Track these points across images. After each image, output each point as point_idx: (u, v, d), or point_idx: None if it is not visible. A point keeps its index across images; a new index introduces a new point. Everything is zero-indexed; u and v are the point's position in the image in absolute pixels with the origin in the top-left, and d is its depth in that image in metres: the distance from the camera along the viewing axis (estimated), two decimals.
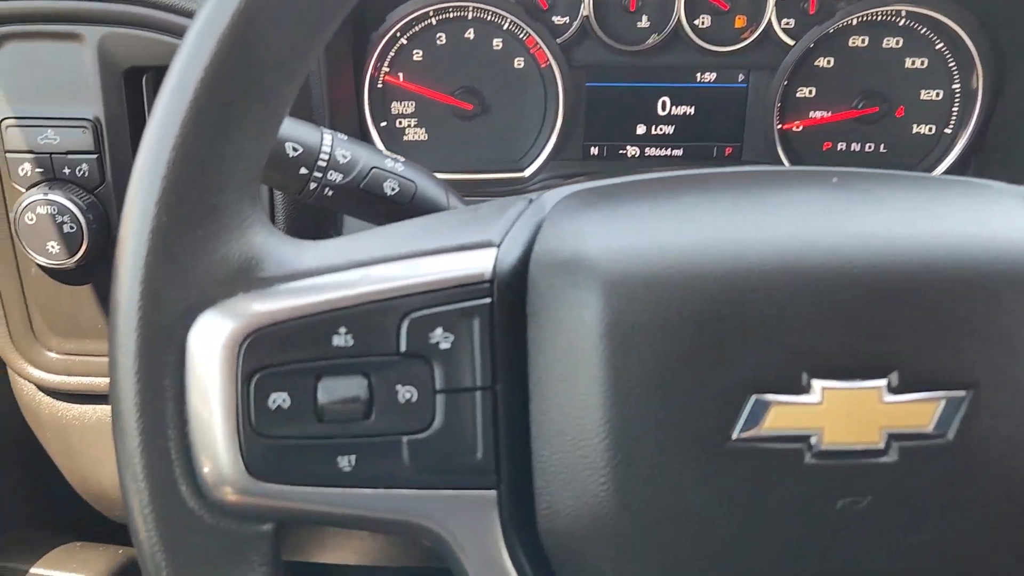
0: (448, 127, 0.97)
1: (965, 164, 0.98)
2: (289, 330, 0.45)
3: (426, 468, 0.46)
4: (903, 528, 0.45)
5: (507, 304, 0.46)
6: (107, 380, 0.44)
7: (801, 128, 0.99)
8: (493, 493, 0.46)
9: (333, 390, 0.45)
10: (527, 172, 1.00)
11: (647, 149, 1.00)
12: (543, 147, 0.98)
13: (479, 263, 0.47)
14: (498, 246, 0.47)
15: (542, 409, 0.46)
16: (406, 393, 0.45)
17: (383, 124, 0.96)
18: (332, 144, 0.62)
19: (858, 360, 0.44)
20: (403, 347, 0.45)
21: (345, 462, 0.46)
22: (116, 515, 1.03)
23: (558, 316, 0.45)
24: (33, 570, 0.99)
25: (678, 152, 1.00)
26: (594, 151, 0.99)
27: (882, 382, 0.44)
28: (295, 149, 0.60)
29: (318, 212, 0.85)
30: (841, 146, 1.00)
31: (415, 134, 0.98)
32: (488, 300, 0.46)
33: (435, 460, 0.46)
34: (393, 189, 0.62)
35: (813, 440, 0.44)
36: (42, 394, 0.94)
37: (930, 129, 0.98)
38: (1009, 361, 0.45)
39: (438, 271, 0.47)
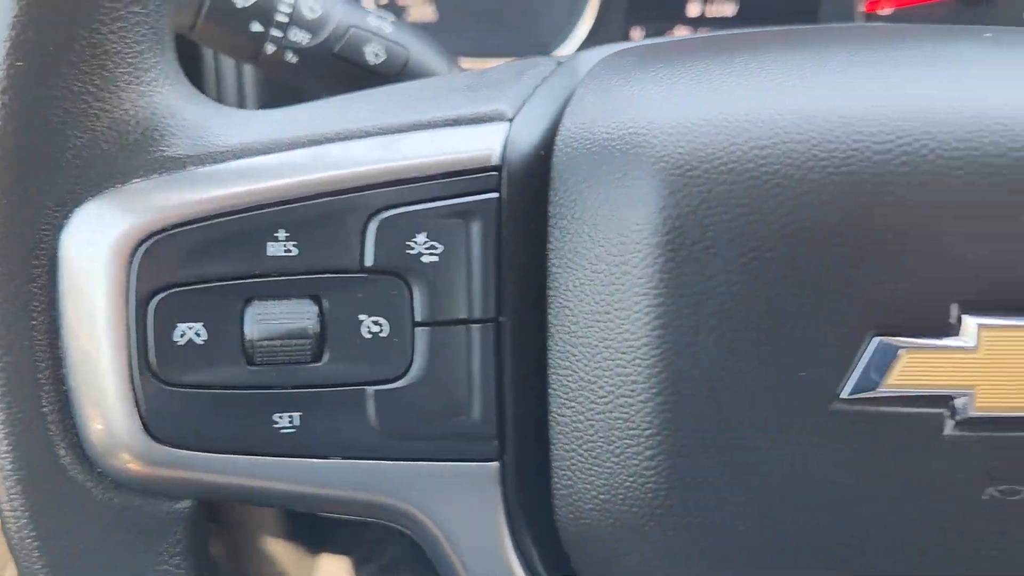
0: (462, 4, 0.86)
1: None
2: (206, 233, 0.33)
3: (400, 431, 0.35)
4: None
5: (520, 201, 0.34)
6: None
7: (892, 11, 0.83)
8: (494, 466, 0.36)
9: (268, 320, 0.33)
10: None
11: (703, 32, 0.86)
12: (575, 28, 0.86)
13: (482, 143, 0.34)
14: (511, 120, 0.35)
15: (566, 350, 0.34)
16: (372, 325, 0.34)
17: (383, 1, 0.83)
18: None
19: None
20: (369, 260, 0.33)
21: (285, 421, 0.34)
22: None
23: (595, 218, 0.33)
24: None
25: None
26: (637, 34, 0.87)
27: None
28: None
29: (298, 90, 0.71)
30: None
31: (421, 13, 0.85)
32: (494, 195, 0.34)
33: (413, 420, 0.35)
34: (377, 56, 0.48)
35: (959, 403, 0.32)
36: None
37: None
38: None
39: (422, 152, 0.34)
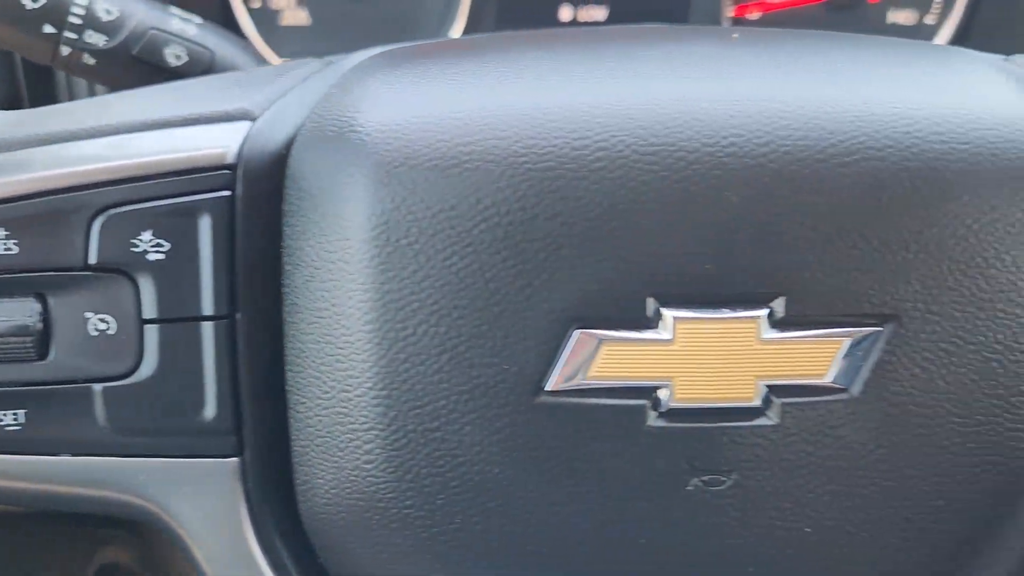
0: (336, 7, 0.85)
1: None
2: None
3: (130, 428, 0.35)
4: (782, 513, 0.32)
5: (257, 199, 0.34)
6: None
7: (759, 15, 0.84)
8: (234, 462, 0.36)
9: None
10: None
11: None
12: (447, 32, 0.85)
13: (218, 141, 0.35)
14: (255, 119, 0.35)
15: (299, 347, 0.34)
16: (99, 323, 0.34)
17: (255, 5, 0.82)
18: None
19: (728, 281, 0.31)
20: (93, 258, 0.33)
21: (10, 418, 0.34)
22: None
23: (321, 215, 0.33)
24: None
25: None
26: None
27: (761, 312, 0.31)
28: None
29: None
30: None
31: (295, 17, 0.84)
32: (226, 193, 0.34)
33: (144, 417, 0.35)
34: (179, 58, 0.49)
35: (661, 394, 0.32)
36: None
37: (909, 17, 0.84)
38: (943, 286, 0.31)
39: (153, 151, 0.34)
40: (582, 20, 0.85)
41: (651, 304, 0.31)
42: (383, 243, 0.31)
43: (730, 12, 0.85)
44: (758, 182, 0.31)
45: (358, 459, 0.33)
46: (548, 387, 0.32)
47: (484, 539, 0.33)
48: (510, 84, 0.34)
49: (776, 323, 0.31)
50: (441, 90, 0.34)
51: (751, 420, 0.32)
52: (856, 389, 0.32)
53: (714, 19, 0.84)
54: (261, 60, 0.52)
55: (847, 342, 0.32)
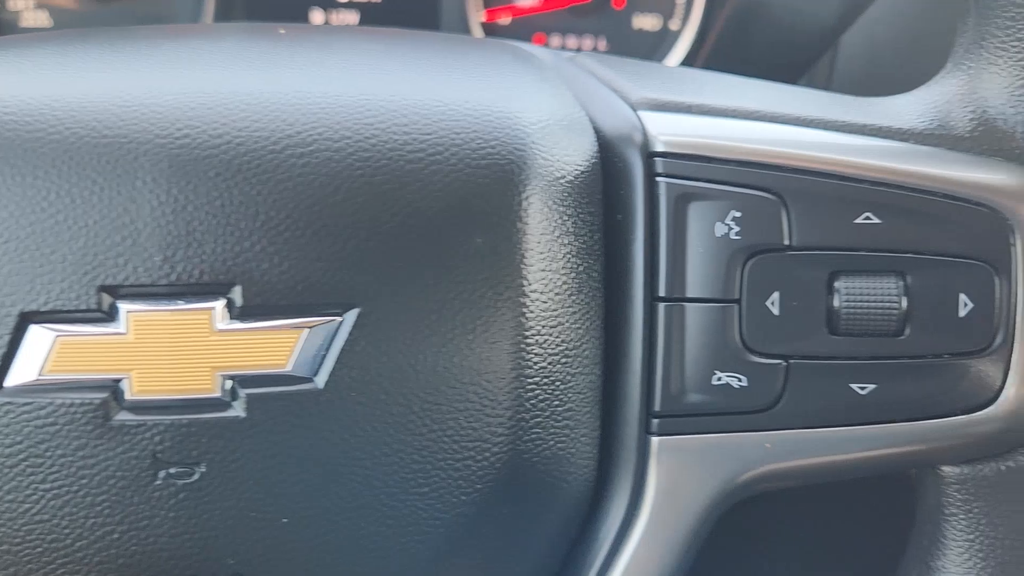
0: (79, 10, 0.83)
1: (692, 65, 0.86)
2: None
3: None
4: (256, 504, 0.33)
5: None
6: None
7: (509, 20, 0.86)
8: None
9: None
10: None
11: None
12: None
13: None
14: None
15: None
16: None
17: None
18: None
19: (182, 272, 0.31)
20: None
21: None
22: None
23: None
24: None
25: None
26: None
27: (215, 303, 0.32)
28: None
29: None
30: (556, 42, 0.87)
31: (35, 18, 0.82)
32: None
33: None
34: None
35: (122, 388, 0.32)
36: None
37: (654, 23, 0.86)
38: (403, 276, 0.32)
39: None
40: (334, 24, 0.85)
41: (105, 298, 0.31)
42: None
43: (481, 17, 0.86)
44: (210, 173, 0.31)
45: None
46: (6, 384, 0.32)
47: None
48: (45, 75, 0.34)
49: (234, 314, 0.32)
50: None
51: (219, 412, 0.32)
52: (321, 379, 0.32)
53: (463, 24, 0.85)
54: None
55: (306, 332, 0.32)
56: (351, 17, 0.85)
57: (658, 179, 0.36)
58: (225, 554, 0.33)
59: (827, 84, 0.77)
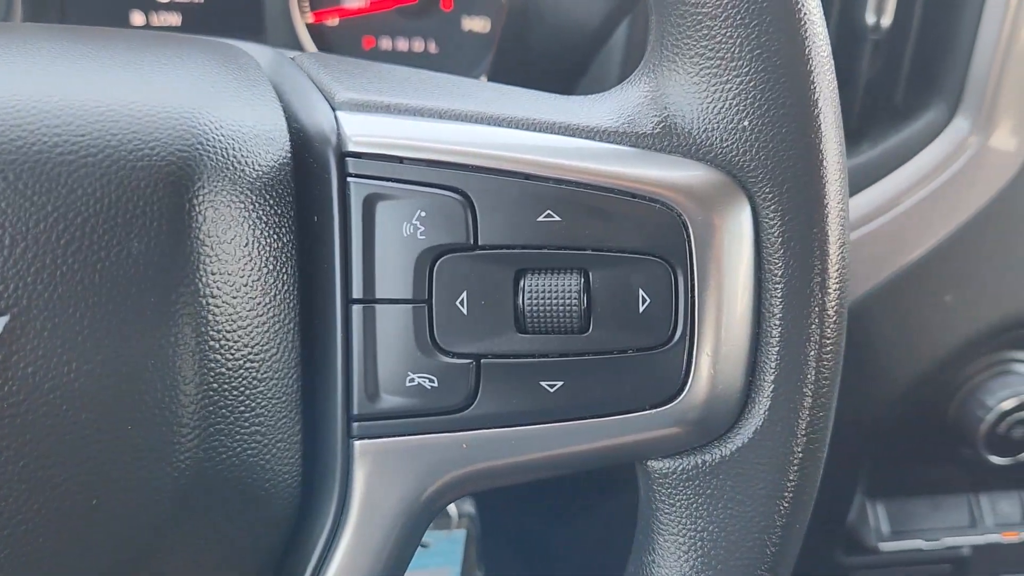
0: None
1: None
2: None
3: None
4: None
5: None
6: None
7: (337, 21, 0.85)
8: None
9: None
10: None
11: None
12: None
13: None
14: None
15: None
16: None
17: None
18: None
19: None
20: None
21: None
22: None
23: None
24: None
25: None
26: None
27: None
28: None
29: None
30: (386, 44, 0.86)
31: None
32: None
33: None
34: None
35: None
36: None
37: (483, 25, 0.86)
38: (60, 283, 0.31)
39: None
40: (156, 25, 0.83)
41: None
42: None
43: (308, 19, 0.85)
44: None
45: None
46: None
47: None
48: None
49: None
50: None
51: None
52: None
53: (288, 26, 0.84)
54: None
55: None
56: (173, 19, 0.83)
57: (349, 180, 0.36)
58: None
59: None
